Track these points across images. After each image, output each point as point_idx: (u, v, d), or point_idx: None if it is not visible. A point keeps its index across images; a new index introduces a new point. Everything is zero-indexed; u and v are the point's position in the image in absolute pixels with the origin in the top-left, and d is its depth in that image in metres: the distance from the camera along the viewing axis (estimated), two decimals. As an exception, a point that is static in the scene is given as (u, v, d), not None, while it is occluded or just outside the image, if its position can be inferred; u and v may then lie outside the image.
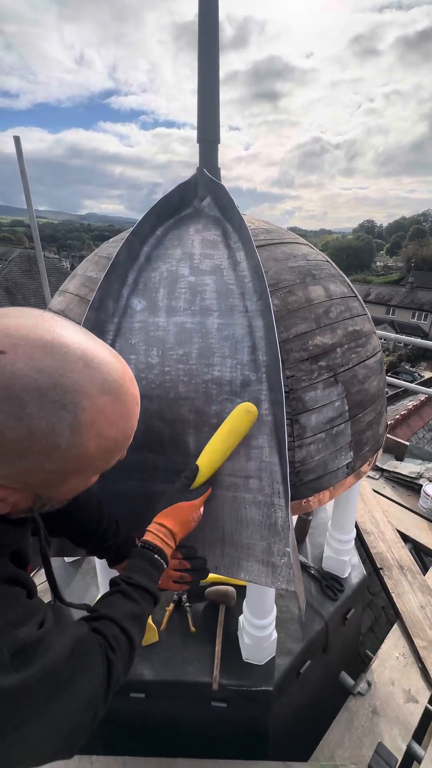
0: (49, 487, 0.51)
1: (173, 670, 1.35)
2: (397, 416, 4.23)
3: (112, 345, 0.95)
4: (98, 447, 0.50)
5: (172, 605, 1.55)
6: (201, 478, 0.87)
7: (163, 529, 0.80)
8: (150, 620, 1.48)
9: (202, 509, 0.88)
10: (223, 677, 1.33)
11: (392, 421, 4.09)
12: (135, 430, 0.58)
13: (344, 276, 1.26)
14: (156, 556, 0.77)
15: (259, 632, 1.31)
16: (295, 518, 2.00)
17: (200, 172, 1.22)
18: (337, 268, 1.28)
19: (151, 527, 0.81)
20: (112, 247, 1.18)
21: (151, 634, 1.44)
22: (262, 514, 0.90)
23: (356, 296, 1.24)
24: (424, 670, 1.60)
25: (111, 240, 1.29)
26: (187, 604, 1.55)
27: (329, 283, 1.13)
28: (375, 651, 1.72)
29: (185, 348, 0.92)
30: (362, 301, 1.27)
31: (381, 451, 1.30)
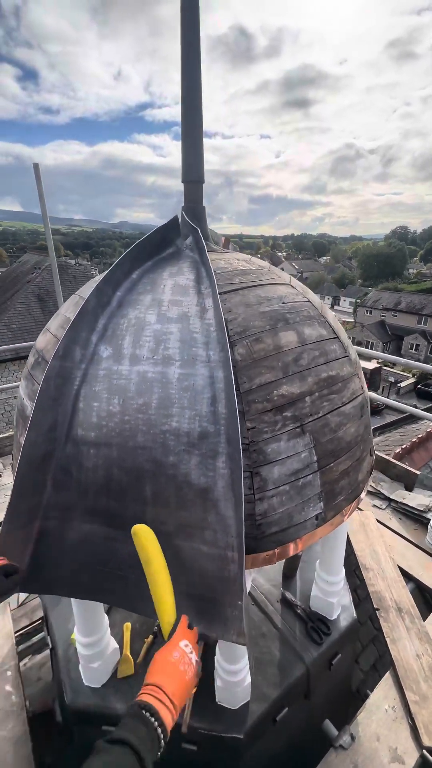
0: None
1: (145, 706, 1.34)
2: (414, 439, 4.03)
3: (78, 392, 0.97)
4: None
5: (151, 637, 1.54)
6: (166, 625, 0.85)
7: (150, 688, 0.74)
8: (127, 652, 1.48)
9: (183, 643, 0.81)
10: (194, 719, 1.30)
11: (407, 445, 3.90)
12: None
13: (326, 317, 1.23)
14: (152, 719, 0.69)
15: (231, 677, 1.29)
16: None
17: (181, 214, 1.24)
18: (321, 308, 1.25)
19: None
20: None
21: (127, 666, 1.44)
22: (216, 567, 0.88)
23: (337, 338, 1.20)
24: (413, 727, 1.50)
25: (96, 278, 1.32)
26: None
27: (304, 327, 1.11)
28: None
29: (145, 397, 0.93)
30: (345, 343, 1.23)
31: (363, 496, 1.25)
